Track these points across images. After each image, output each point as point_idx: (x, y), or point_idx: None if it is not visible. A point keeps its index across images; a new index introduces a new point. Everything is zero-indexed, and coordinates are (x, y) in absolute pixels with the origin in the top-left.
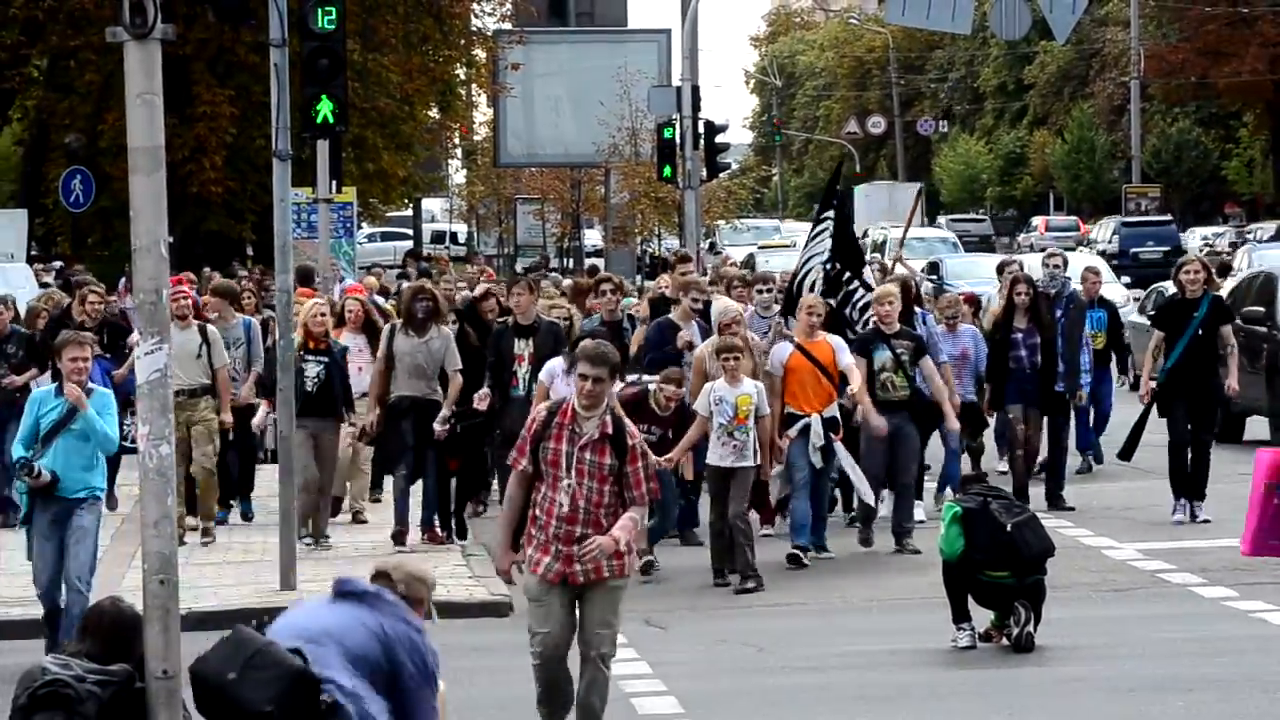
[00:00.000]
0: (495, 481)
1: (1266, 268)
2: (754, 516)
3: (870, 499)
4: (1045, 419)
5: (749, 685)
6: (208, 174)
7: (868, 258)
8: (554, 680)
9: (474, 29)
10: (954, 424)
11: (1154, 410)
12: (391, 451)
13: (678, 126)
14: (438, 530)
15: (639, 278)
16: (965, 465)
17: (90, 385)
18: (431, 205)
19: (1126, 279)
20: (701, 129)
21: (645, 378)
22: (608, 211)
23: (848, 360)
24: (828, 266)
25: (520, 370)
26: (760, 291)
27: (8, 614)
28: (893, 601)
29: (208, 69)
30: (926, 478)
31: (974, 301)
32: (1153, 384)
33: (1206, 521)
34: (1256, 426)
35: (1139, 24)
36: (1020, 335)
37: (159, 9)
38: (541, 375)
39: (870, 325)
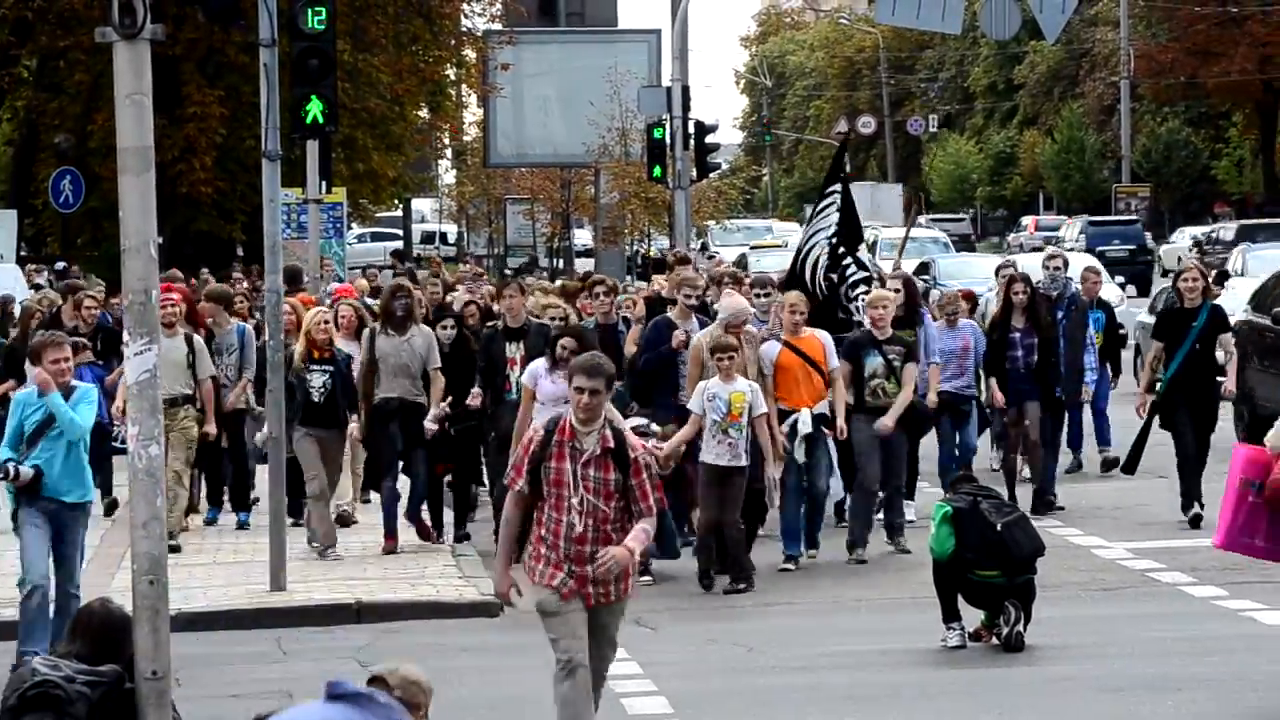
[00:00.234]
0: (487, 484)
1: None
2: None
3: (840, 495)
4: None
5: (739, 685)
6: (197, 174)
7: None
8: (581, 686)
9: (464, 29)
10: (889, 425)
11: (1155, 421)
12: (381, 454)
13: (668, 127)
14: (426, 522)
15: (630, 278)
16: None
17: (74, 383)
18: (421, 205)
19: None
20: (691, 129)
21: (645, 420)
22: (598, 212)
23: (834, 364)
24: (833, 240)
25: (513, 374)
26: (758, 295)
27: (0, 615)
28: (883, 601)
29: (197, 69)
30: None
31: (971, 298)
32: (1150, 396)
33: (1199, 518)
34: None
35: (1129, 24)
36: (1017, 335)
37: (148, 9)
38: (524, 378)
39: (864, 327)
